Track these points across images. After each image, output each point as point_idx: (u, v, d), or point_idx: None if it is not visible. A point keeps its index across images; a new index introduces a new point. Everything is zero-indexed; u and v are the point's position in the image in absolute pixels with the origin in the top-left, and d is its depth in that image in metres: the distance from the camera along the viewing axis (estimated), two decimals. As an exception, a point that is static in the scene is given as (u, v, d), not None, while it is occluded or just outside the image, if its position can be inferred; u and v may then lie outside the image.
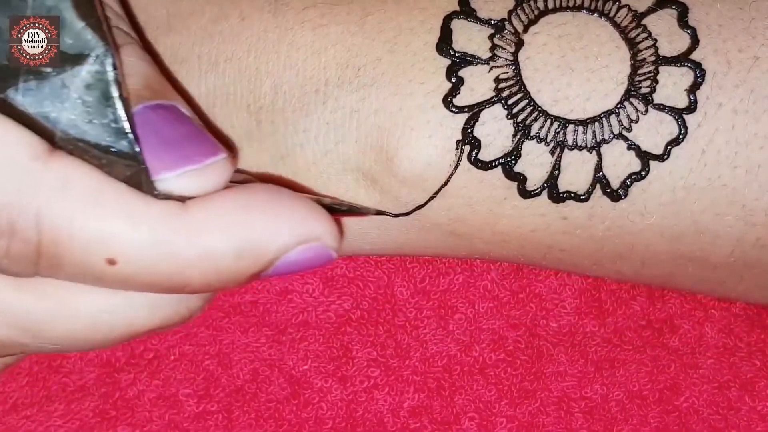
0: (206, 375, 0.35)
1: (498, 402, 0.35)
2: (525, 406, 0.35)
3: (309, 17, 0.30)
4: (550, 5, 0.30)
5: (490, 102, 0.29)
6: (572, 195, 0.29)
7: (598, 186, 0.29)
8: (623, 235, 0.30)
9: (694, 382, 0.35)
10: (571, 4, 0.29)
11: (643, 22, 0.29)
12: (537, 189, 0.30)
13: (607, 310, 0.36)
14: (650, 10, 0.29)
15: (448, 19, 0.29)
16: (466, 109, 0.29)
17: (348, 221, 0.31)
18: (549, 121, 0.29)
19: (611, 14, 0.29)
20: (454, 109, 0.29)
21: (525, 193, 0.30)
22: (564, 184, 0.29)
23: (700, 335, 0.35)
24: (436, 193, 0.30)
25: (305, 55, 0.30)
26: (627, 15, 0.29)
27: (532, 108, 0.29)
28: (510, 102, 0.29)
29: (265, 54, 0.30)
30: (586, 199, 0.30)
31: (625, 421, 0.35)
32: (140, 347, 0.35)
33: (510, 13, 0.29)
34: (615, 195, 0.29)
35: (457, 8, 0.30)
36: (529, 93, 0.29)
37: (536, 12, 0.29)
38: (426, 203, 0.30)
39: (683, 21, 0.29)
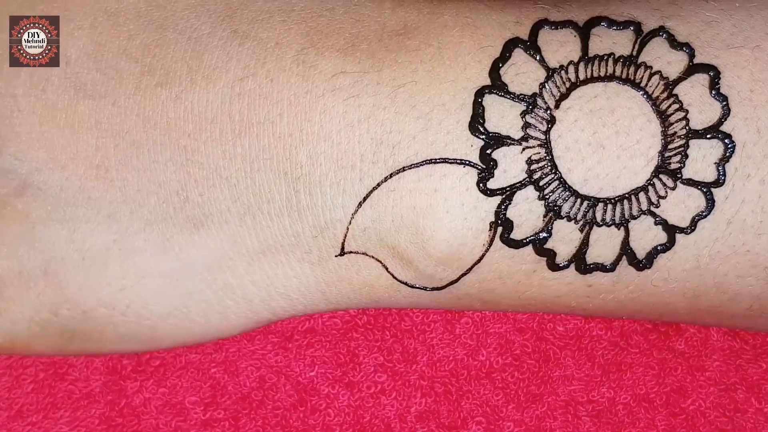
0: (213, 383, 0.35)
1: (505, 406, 0.35)
2: (532, 410, 0.35)
3: (340, 85, 0.29)
4: (581, 76, 0.29)
5: (522, 184, 0.29)
6: (599, 266, 0.30)
7: (624, 257, 0.30)
8: (645, 297, 0.31)
9: (700, 385, 0.35)
10: (602, 73, 0.29)
11: (675, 91, 0.29)
12: (565, 263, 0.30)
13: (613, 313, 0.36)
14: (681, 78, 0.29)
15: (479, 95, 0.29)
16: (498, 192, 0.29)
17: (384, 295, 0.32)
18: (579, 200, 0.29)
19: (642, 83, 0.29)
20: (488, 193, 0.29)
21: (554, 267, 0.30)
22: (591, 257, 0.30)
23: (706, 338, 0.35)
24: (469, 270, 0.30)
25: (339, 127, 0.29)
26: (659, 84, 0.29)
27: (562, 189, 0.29)
28: (541, 183, 0.29)
29: (298, 121, 0.30)
30: (613, 270, 0.30)
31: (632, 425, 0.35)
32: (146, 355, 0.35)
33: (541, 86, 0.29)
34: (640, 265, 0.30)
35: (488, 81, 0.29)
36: (560, 173, 0.29)
37: (568, 84, 0.29)
38: (458, 279, 0.30)
39: (715, 88, 0.29)
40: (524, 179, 0.29)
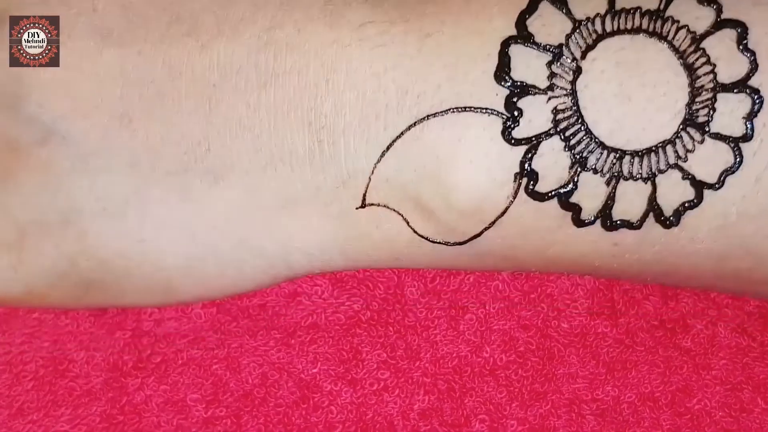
0: (214, 380, 0.35)
1: (509, 404, 0.35)
2: (536, 408, 0.35)
3: (367, 35, 0.29)
4: (608, 28, 0.29)
5: (547, 134, 0.29)
6: (625, 223, 0.29)
7: (650, 214, 0.29)
8: (671, 257, 0.30)
9: (706, 384, 0.35)
10: (629, 26, 0.29)
11: (702, 45, 0.28)
12: (591, 219, 0.29)
13: (619, 310, 0.35)
14: (709, 32, 0.29)
15: (505, 45, 0.29)
16: (524, 142, 0.29)
17: (405, 251, 0.31)
18: (605, 152, 0.29)
19: (669, 37, 0.29)
20: (512, 142, 0.29)
21: (579, 223, 0.29)
22: (618, 213, 0.29)
23: (713, 335, 0.35)
24: (492, 223, 0.30)
25: (365, 77, 0.29)
26: (686, 38, 0.28)
27: (589, 140, 0.28)
28: (567, 134, 0.28)
29: (324, 71, 0.29)
30: (639, 227, 0.29)
31: (637, 424, 0.34)
32: (147, 351, 0.35)
33: (567, 37, 0.29)
34: (668, 223, 0.29)
35: (514, 32, 0.29)
36: (586, 124, 0.28)
37: (594, 36, 0.29)
38: (481, 233, 0.30)
39: (743, 43, 0.28)
40: (550, 129, 0.28)
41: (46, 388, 0.34)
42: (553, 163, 0.29)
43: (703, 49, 0.28)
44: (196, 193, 0.31)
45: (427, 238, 0.31)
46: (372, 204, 0.30)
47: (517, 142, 0.29)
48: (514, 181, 0.29)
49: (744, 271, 0.31)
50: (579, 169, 0.29)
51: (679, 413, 0.35)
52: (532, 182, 0.29)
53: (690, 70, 0.28)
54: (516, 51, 0.29)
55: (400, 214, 0.30)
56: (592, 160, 0.29)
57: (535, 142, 0.29)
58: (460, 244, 0.31)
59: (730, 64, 0.28)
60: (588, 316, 0.35)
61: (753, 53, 0.28)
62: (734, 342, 0.35)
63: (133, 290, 0.32)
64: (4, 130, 0.31)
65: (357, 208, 0.30)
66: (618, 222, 0.29)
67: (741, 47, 0.28)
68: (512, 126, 0.29)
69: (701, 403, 0.35)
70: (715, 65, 0.28)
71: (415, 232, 0.31)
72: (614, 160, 0.29)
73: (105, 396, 0.34)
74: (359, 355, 0.35)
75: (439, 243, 0.31)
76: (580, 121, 0.28)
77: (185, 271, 0.32)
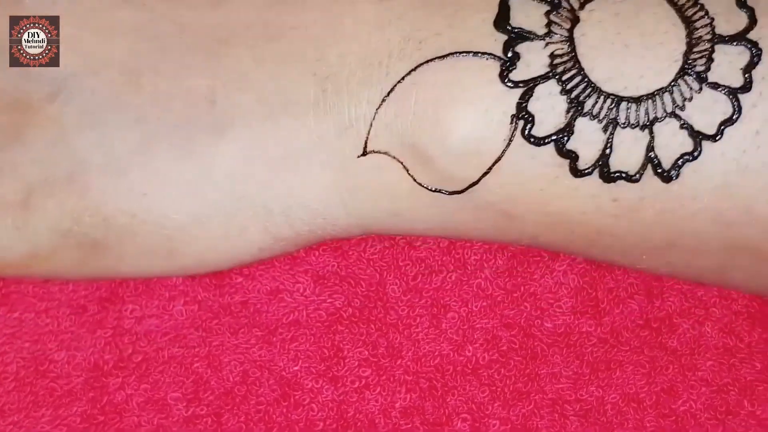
0: (195, 378, 0.35)
1: (491, 403, 0.35)
2: (518, 408, 0.34)
3: None
4: None
5: (544, 77, 0.29)
6: (623, 175, 0.29)
7: (649, 166, 0.29)
8: (674, 220, 0.30)
9: (692, 385, 0.34)
10: None
11: (701, 0, 0.29)
12: (588, 168, 0.29)
13: (603, 309, 0.35)
14: None
15: None
16: (521, 84, 0.29)
17: (405, 203, 0.31)
18: (602, 97, 0.29)
19: None
20: (509, 84, 0.29)
21: (576, 172, 0.29)
22: (615, 163, 0.29)
23: (700, 335, 0.34)
24: (490, 168, 0.30)
25: (370, 29, 0.30)
26: None
27: (585, 84, 0.29)
28: (564, 78, 0.29)
29: (331, 25, 0.30)
30: (638, 179, 0.29)
31: (620, 425, 0.34)
32: (128, 350, 0.35)
33: None
34: (666, 176, 0.29)
35: None
36: (583, 69, 0.29)
37: None
38: (480, 179, 0.30)
39: (741, 0, 0.29)
40: (547, 72, 0.29)
41: (27, 389, 0.34)
42: (549, 107, 0.29)
43: (702, 5, 0.29)
44: (199, 147, 0.31)
45: (426, 187, 0.31)
46: (373, 152, 0.30)
47: (515, 85, 0.29)
48: (511, 122, 0.29)
49: (751, 241, 0.30)
50: (576, 114, 0.29)
51: (664, 414, 0.34)
52: (529, 125, 0.29)
53: (688, 22, 0.29)
54: (516, 2, 0.29)
55: (399, 161, 0.30)
56: (588, 105, 0.29)
57: (532, 85, 0.29)
58: (459, 192, 0.30)
59: (728, 19, 0.29)
60: (572, 315, 0.35)
61: (751, 9, 0.29)
62: (721, 342, 0.34)
63: (135, 252, 0.32)
64: (15, 87, 0.31)
65: (359, 156, 0.31)
66: (616, 174, 0.29)
67: (739, 3, 0.29)
68: (509, 69, 0.29)
69: (686, 405, 0.34)
70: (713, 19, 0.29)
71: (414, 180, 0.31)
72: (611, 105, 0.29)
73: (86, 396, 0.34)
74: (341, 353, 0.35)
75: (438, 191, 0.31)
76: (577, 66, 0.29)
77: (188, 231, 0.32)
